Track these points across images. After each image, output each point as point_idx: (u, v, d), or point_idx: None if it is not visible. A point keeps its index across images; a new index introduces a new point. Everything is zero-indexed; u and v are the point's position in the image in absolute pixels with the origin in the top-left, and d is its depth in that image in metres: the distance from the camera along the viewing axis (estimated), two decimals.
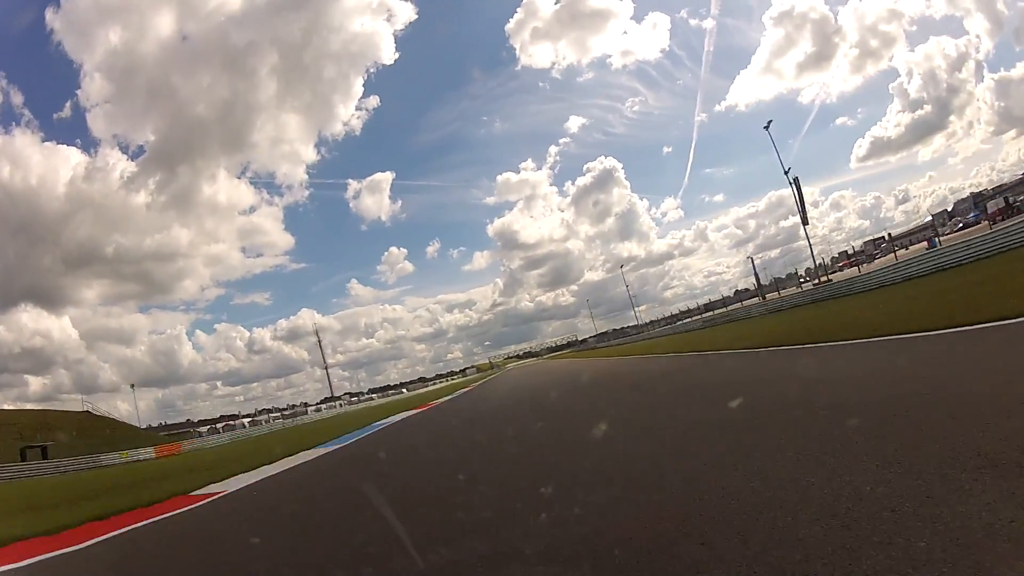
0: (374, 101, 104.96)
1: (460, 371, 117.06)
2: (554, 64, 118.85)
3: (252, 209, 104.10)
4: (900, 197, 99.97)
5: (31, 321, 77.75)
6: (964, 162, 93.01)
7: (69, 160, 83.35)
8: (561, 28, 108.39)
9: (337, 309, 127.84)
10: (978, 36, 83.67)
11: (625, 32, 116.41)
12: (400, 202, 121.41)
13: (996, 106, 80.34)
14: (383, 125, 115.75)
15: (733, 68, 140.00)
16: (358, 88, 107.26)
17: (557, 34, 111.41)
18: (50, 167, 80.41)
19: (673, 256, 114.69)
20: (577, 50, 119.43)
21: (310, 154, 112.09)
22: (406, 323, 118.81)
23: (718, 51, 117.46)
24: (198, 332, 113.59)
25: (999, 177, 71.71)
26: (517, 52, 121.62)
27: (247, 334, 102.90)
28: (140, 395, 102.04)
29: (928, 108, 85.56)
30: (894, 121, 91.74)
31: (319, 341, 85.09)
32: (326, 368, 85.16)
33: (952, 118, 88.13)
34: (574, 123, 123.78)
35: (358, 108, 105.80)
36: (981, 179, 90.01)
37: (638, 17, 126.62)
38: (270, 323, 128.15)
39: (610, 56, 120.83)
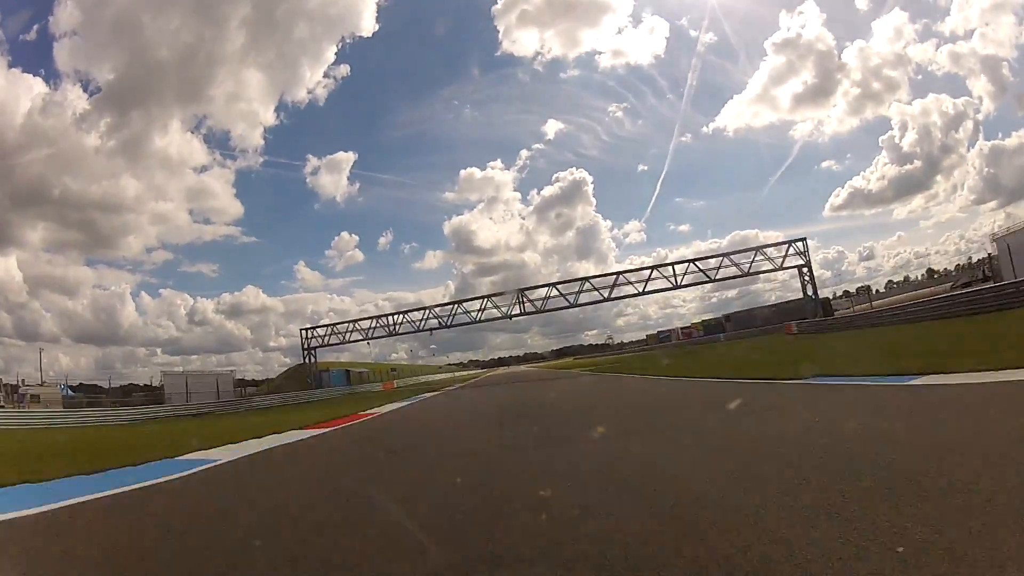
0: (344, 71, 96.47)
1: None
2: (538, 54, 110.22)
3: (203, 169, 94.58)
4: (865, 254, 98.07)
5: None
6: (936, 227, 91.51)
7: (32, 90, 74.41)
8: (552, 15, 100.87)
9: (285, 292, 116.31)
10: (980, 98, 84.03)
11: (620, 31, 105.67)
12: (357, 185, 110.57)
13: (984, 172, 78.57)
14: (349, 100, 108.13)
15: (725, 93, 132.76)
16: (329, 55, 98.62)
17: (547, 21, 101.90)
18: (12, 95, 72.09)
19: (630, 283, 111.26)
20: (565, 42, 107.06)
21: (269, 117, 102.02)
22: (353, 315, 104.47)
23: (713, 74, 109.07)
24: (143, 294, 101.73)
25: (967, 247, 74.37)
26: (500, 36, 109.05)
27: (191, 302, 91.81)
28: (79, 351, 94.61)
29: (917, 163, 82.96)
30: (879, 173, 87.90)
31: None
32: None
33: (939, 178, 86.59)
34: (551, 127, 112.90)
35: (326, 76, 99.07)
36: (949, 247, 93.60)
37: (636, 17, 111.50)
38: (214, 295, 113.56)
39: (600, 54, 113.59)
